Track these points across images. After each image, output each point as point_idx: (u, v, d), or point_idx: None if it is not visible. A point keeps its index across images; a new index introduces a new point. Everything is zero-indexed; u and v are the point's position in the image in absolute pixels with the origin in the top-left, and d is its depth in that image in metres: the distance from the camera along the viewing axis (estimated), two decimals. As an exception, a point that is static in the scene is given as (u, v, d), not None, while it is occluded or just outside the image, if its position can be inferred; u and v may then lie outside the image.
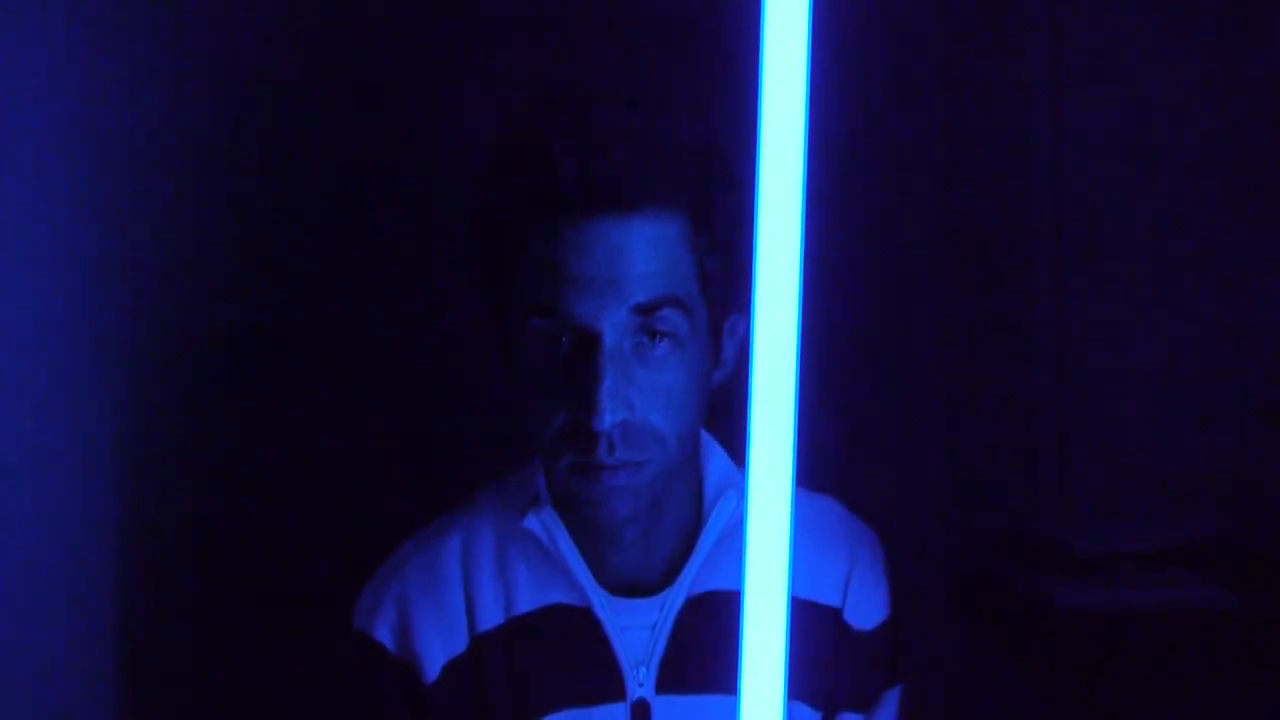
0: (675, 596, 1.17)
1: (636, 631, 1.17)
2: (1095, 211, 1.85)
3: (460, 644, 1.18)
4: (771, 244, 0.62)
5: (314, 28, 1.63)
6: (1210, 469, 1.83)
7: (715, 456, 1.22)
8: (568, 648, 1.17)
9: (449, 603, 1.19)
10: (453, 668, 1.17)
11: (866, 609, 1.23)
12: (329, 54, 1.65)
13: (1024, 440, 1.87)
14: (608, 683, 1.17)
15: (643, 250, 1.07)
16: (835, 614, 1.22)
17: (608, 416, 1.06)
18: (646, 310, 1.08)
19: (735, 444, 1.20)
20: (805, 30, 0.63)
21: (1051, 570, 1.77)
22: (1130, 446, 1.86)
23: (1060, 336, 1.86)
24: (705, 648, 1.16)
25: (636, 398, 1.09)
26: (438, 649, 1.18)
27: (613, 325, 1.07)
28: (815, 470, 1.60)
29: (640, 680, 1.16)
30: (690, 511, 1.19)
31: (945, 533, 1.85)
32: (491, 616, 1.18)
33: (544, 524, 1.17)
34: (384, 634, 1.19)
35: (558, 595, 1.18)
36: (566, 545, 1.17)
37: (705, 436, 1.22)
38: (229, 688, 1.53)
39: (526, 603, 1.18)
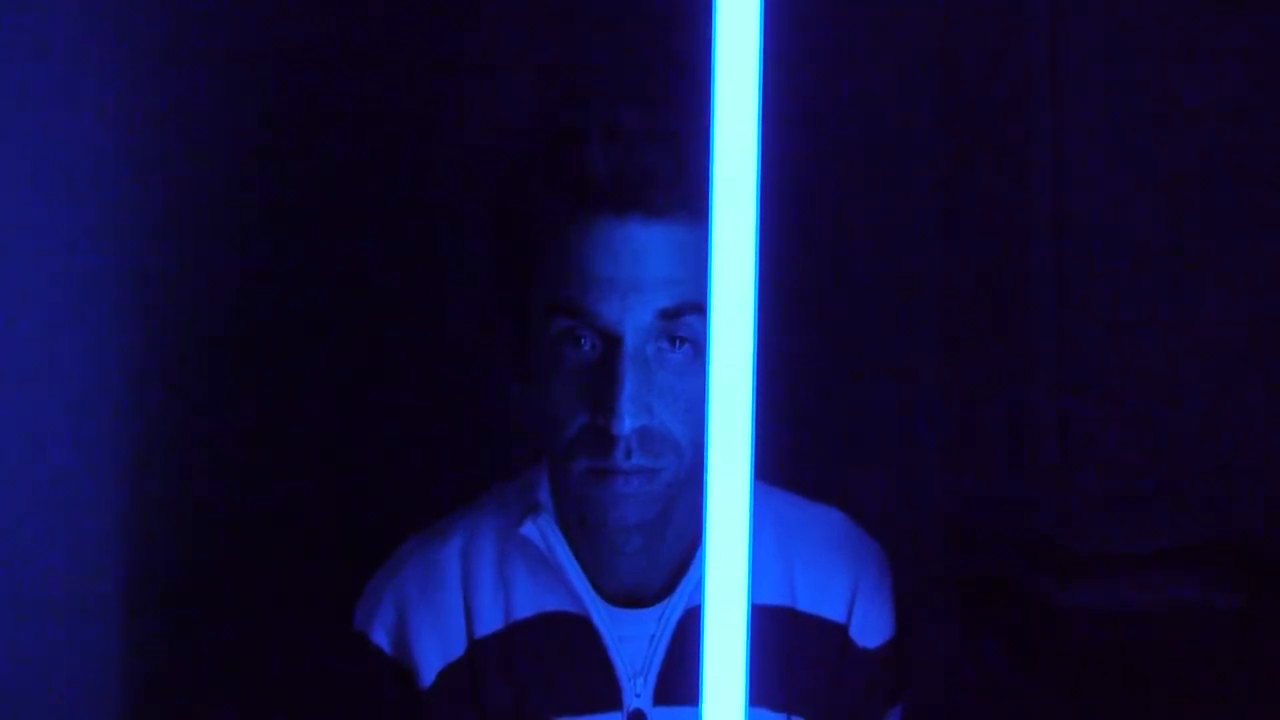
0: (674, 608, 1.14)
1: (635, 642, 1.14)
2: (1095, 211, 1.83)
3: (458, 649, 1.16)
4: (726, 242, 0.59)
5: (315, 29, 1.62)
6: (1210, 469, 1.82)
7: None
8: (565, 656, 1.14)
9: (447, 606, 1.16)
10: (449, 673, 1.15)
11: (872, 626, 1.20)
12: (329, 54, 1.64)
13: (1024, 440, 1.85)
14: (605, 693, 1.14)
15: (669, 254, 1.04)
16: (840, 630, 1.19)
17: (628, 421, 1.03)
18: (670, 315, 1.05)
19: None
20: (757, 29, 0.60)
21: (1051, 570, 1.75)
22: (1130, 446, 1.84)
23: (1060, 337, 1.84)
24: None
25: (657, 403, 1.05)
26: (434, 654, 1.16)
27: (635, 328, 1.04)
28: (814, 470, 1.59)
29: (637, 691, 1.14)
30: (693, 522, 1.17)
31: (945, 533, 1.84)
32: (490, 622, 1.16)
33: (541, 532, 1.14)
34: (381, 637, 1.17)
35: (557, 603, 1.16)
36: (564, 554, 1.14)
37: None
38: (232, 687, 1.52)
39: (525, 609, 1.16)
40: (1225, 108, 1.78)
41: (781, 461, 1.29)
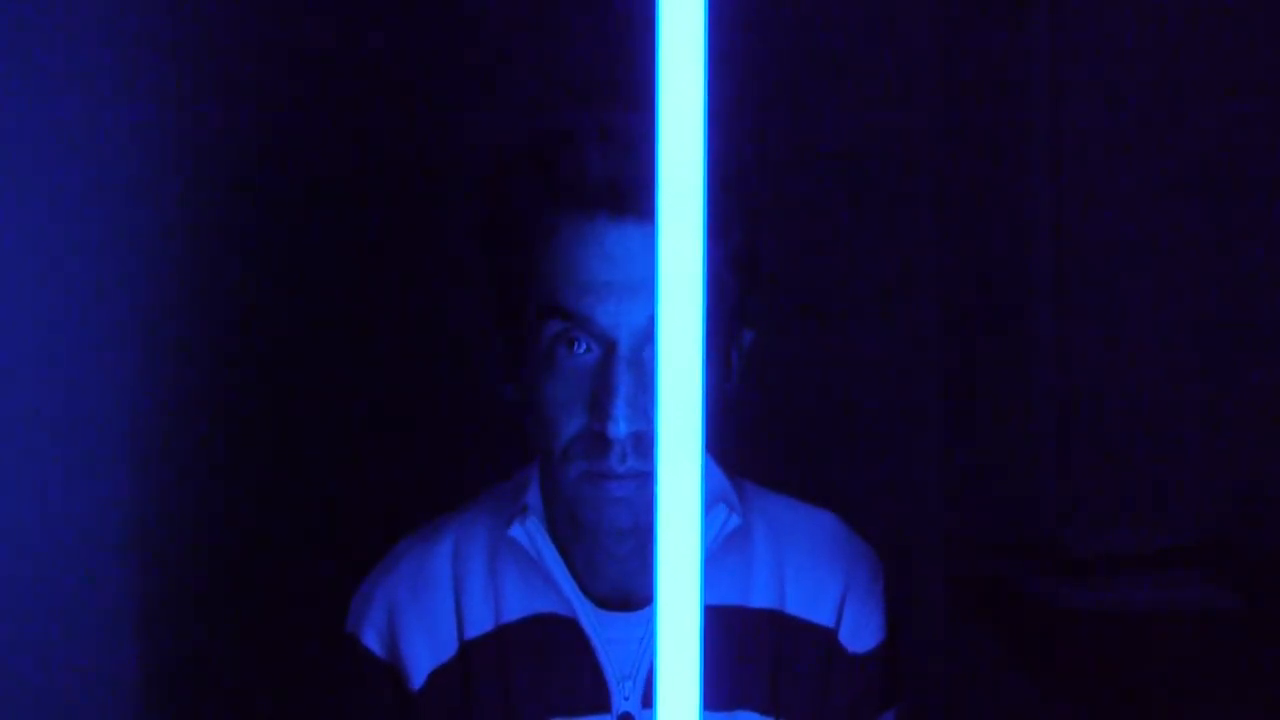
0: None
1: (624, 645, 1.12)
2: (1095, 212, 1.83)
3: (448, 650, 1.15)
4: (673, 238, 0.58)
5: (316, 32, 1.62)
6: (1210, 469, 1.81)
7: (707, 468, 1.18)
8: (555, 658, 1.13)
9: (438, 608, 1.15)
10: (439, 674, 1.14)
11: (862, 631, 1.17)
12: (330, 56, 1.64)
13: (1024, 441, 1.85)
14: (594, 695, 1.12)
15: None
16: (829, 634, 1.16)
17: (624, 424, 1.02)
18: None
19: (730, 454, 1.18)
20: (702, 27, 0.59)
21: (1051, 570, 1.74)
22: (1130, 446, 1.84)
23: (1060, 336, 1.84)
24: None
25: (652, 407, 1.05)
26: (424, 656, 1.15)
27: (631, 332, 1.03)
28: (812, 473, 1.59)
29: (626, 694, 1.12)
30: None
31: (945, 534, 1.84)
32: (481, 623, 1.15)
33: (529, 534, 1.13)
34: (371, 639, 1.16)
35: (547, 605, 1.14)
36: (551, 556, 1.13)
37: None
38: (226, 687, 1.52)
39: (516, 610, 1.15)
40: (1224, 109, 1.77)
41: (778, 463, 1.28)
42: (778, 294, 1.28)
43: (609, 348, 1.04)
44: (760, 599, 1.16)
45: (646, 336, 1.04)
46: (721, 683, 1.13)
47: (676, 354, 0.52)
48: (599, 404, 1.03)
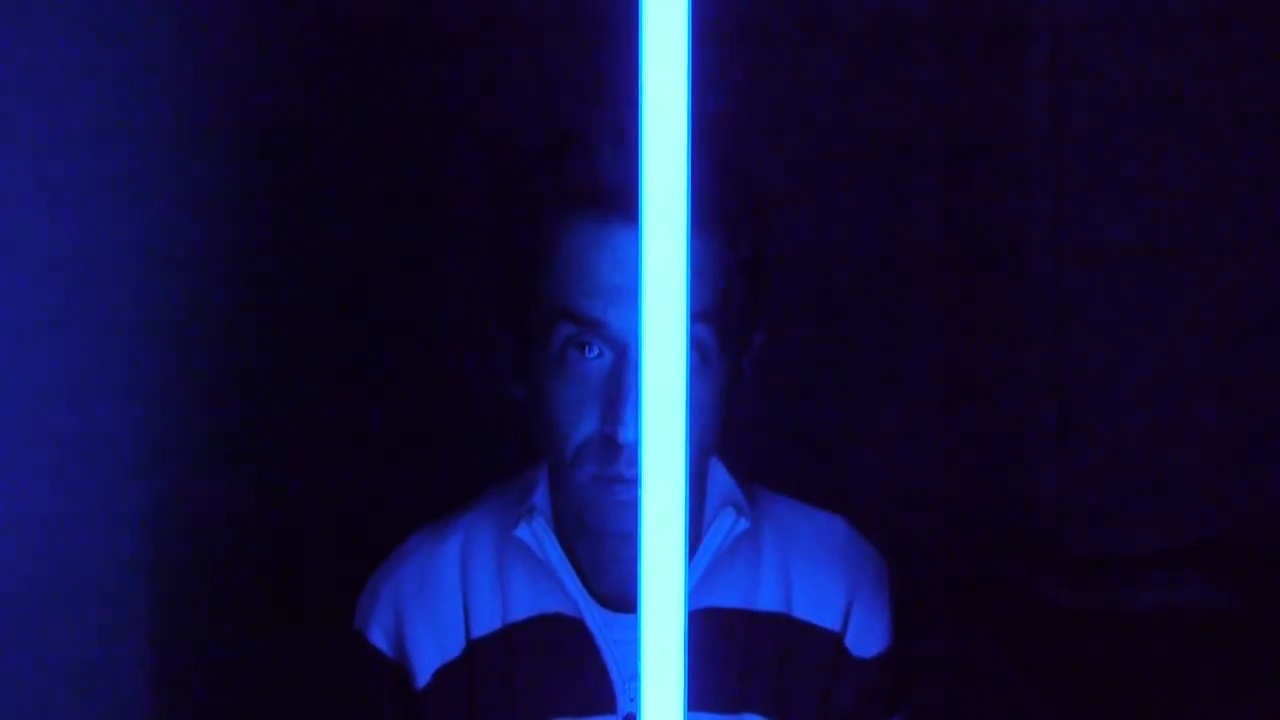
0: None
1: (629, 646, 1.12)
2: (1095, 212, 1.83)
3: (455, 649, 1.14)
4: (656, 241, 0.57)
5: (320, 35, 1.62)
6: (1211, 469, 1.82)
7: (716, 472, 1.18)
8: (561, 658, 1.13)
9: (445, 606, 1.15)
10: (445, 673, 1.14)
11: (868, 636, 1.15)
12: (334, 58, 1.64)
13: (1023, 441, 1.85)
14: (599, 696, 1.12)
15: None
16: (835, 638, 1.15)
17: (634, 430, 1.01)
18: None
19: (735, 457, 1.18)
20: (685, 28, 0.58)
21: (1051, 570, 1.75)
22: (1130, 447, 1.84)
23: (1060, 336, 1.84)
24: (698, 665, 1.11)
25: None
26: (430, 653, 1.14)
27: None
28: (813, 473, 1.59)
29: (631, 695, 1.12)
30: (693, 529, 1.15)
31: (945, 534, 1.84)
32: (488, 622, 1.14)
33: (535, 535, 1.13)
34: (378, 636, 1.16)
35: (554, 605, 1.14)
36: (557, 557, 1.12)
37: None
38: (232, 683, 1.52)
39: (523, 610, 1.14)
40: (1224, 111, 1.78)
41: (783, 465, 1.28)
42: (782, 298, 1.28)
43: (621, 352, 1.03)
44: (767, 602, 1.15)
45: None
46: (726, 686, 1.12)
47: (659, 358, 0.52)
48: (611, 409, 1.02)
